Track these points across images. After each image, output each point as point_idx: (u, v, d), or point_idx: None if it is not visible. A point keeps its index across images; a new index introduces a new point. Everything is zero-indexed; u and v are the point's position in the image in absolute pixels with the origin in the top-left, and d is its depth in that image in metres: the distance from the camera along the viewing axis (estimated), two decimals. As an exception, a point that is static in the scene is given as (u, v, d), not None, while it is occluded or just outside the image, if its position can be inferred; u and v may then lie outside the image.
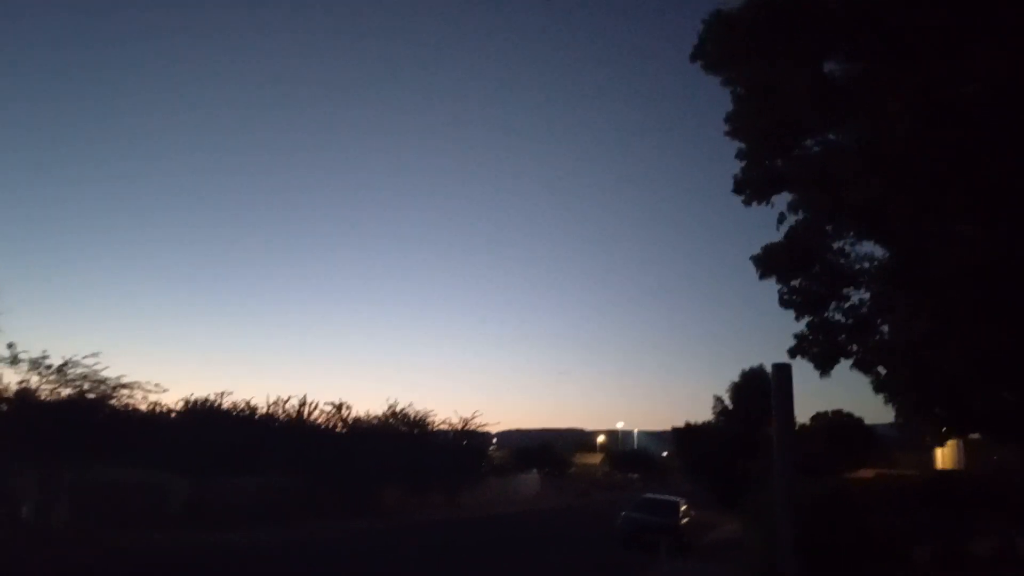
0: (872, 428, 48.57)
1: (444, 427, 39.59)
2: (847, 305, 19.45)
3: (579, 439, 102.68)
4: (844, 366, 19.97)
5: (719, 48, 14.88)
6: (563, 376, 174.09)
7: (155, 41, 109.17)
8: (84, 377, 22.50)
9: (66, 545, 19.22)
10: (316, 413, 33.73)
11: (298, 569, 17.68)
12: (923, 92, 11.88)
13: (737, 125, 16.49)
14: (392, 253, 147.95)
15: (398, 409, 37.28)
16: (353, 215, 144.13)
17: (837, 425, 48.39)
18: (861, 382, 20.29)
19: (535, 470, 61.00)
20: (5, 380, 21.71)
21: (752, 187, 17.09)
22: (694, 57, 15.29)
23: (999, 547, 15.53)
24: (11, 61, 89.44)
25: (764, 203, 17.36)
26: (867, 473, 38.44)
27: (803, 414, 47.47)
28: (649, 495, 32.23)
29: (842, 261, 18.62)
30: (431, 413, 38.10)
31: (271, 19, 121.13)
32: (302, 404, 33.18)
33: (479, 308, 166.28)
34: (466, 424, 40.00)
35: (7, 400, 21.87)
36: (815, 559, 10.70)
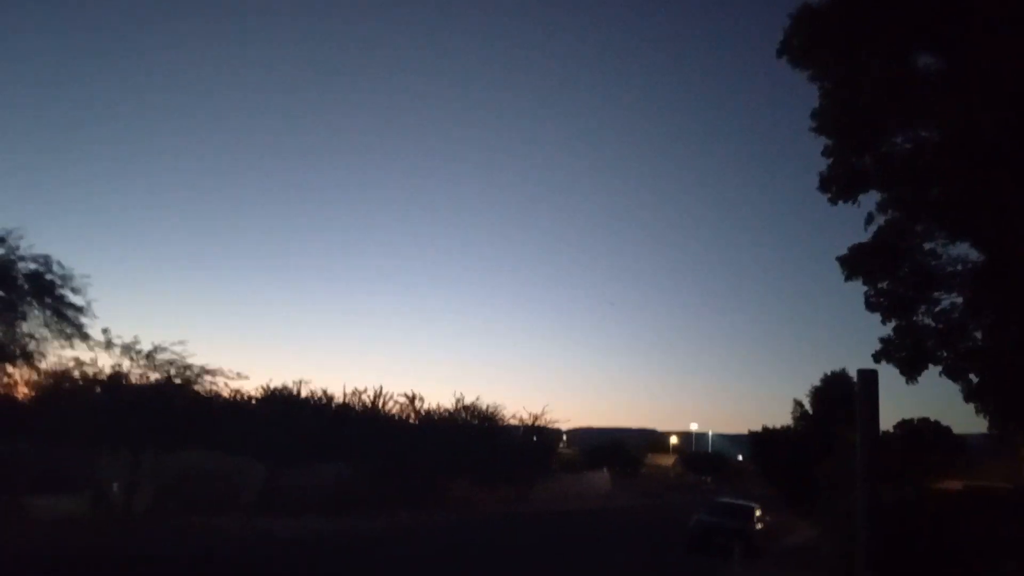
0: (962, 438, 46.51)
1: (514, 422, 39.72)
2: (937, 309, 18.64)
3: (652, 439, 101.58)
4: (932, 372, 19.18)
5: (806, 42, 14.47)
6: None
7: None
8: (171, 363, 23.40)
9: (146, 528, 20.06)
10: (390, 404, 34.40)
11: (363, 563, 17.98)
12: (1013, 82, 11.26)
13: (823, 121, 15.98)
14: (469, 250, 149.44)
15: (468, 403, 37.64)
16: (433, 209, 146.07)
17: (922, 432, 46.50)
18: (951, 390, 19.46)
19: (606, 468, 60.65)
20: (99, 364, 22.74)
21: (838, 185, 16.53)
22: (780, 52, 14.91)
23: None
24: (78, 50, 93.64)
25: (851, 202, 16.77)
26: (954, 484, 36.79)
27: (887, 421, 45.76)
28: (723, 498, 31.66)
29: (933, 263, 17.84)
30: (501, 407, 38.34)
31: None
32: (377, 395, 33.87)
33: (554, 305, 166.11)
34: (536, 420, 40.04)
35: (101, 383, 22.92)
36: (893, 570, 10.29)
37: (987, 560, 14.21)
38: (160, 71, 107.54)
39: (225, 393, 26.12)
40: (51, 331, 20.39)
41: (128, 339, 22.85)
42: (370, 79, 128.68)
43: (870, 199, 16.85)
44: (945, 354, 18.88)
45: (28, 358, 20.08)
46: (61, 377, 22.13)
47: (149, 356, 23.10)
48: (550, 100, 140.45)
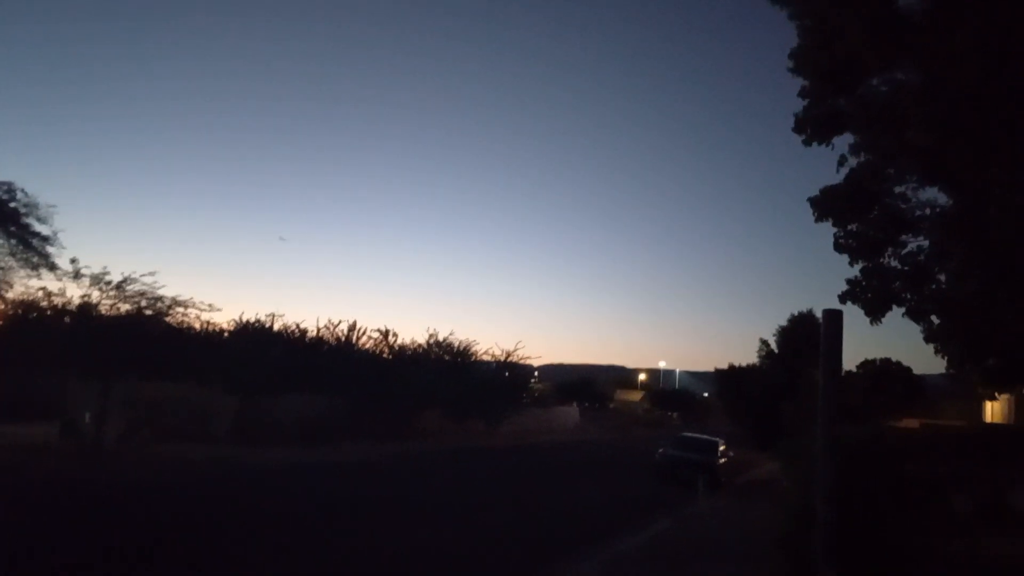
0: (921, 378, 47.89)
1: (487, 358, 40.12)
2: (904, 252, 18.98)
3: (621, 376, 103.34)
4: (896, 314, 19.63)
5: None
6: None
7: None
8: (142, 294, 23.12)
9: (118, 458, 20.19)
10: (364, 339, 34.54)
11: (332, 486, 18.33)
12: (994, 27, 11.25)
13: (801, 61, 15.91)
14: (442, 188, 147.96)
15: (441, 338, 37.90)
16: (405, 147, 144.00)
17: (883, 372, 47.80)
18: (913, 331, 19.98)
19: (575, 403, 61.70)
20: (68, 294, 22.45)
21: (813, 126, 16.57)
22: (760, -12, 14.72)
23: None
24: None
25: (825, 144, 16.85)
26: (912, 423, 38.05)
27: (850, 361, 46.94)
28: (688, 433, 32.46)
29: (903, 206, 18.10)
30: (474, 343, 38.71)
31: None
32: (351, 329, 33.95)
33: (525, 242, 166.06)
34: (508, 356, 40.46)
35: (69, 313, 22.65)
36: (851, 503, 10.69)
37: (940, 494, 14.81)
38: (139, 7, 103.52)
39: (197, 325, 26.03)
40: (16, 260, 20.06)
41: (97, 270, 22.57)
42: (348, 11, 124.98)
43: (843, 142, 16.94)
44: (909, 296, 19.31)
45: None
46: (28, 307, 21.85)
47: (119, 287, 22.80)
48: (527, 40, 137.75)
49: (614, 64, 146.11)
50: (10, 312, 21.65)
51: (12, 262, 19.92)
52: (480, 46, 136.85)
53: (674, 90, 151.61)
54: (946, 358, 21.55)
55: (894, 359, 49.91)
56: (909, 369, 48.35)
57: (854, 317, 19.62)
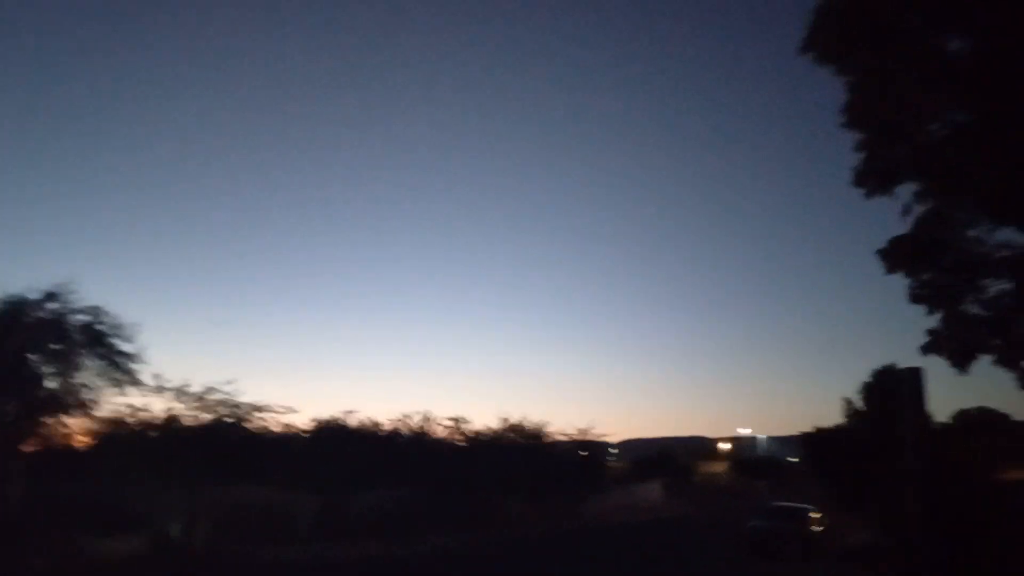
0: (1021, 425, 45.25)
1: (562, 438, 39.63)
2: (985, 297, 18.30)
3: (702, 446, 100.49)
4: (985, 361, 18.79)
5: (832, 36, 14.39)
6: None
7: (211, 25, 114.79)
8: (222, 402, 23.84)
9: (209, 562, 20.39)
10: (437, 428, 34.61)
11: None
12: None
13: (854, 115, 15.85)
14: (504, 265, 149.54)
15: (514, 421, 37.66)
16: (467, 226, 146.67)
17: (980, 423, 45.36)
18: (1006, 378, 19.03)
19: (657, 479, 60.12)
20: (153, 408, 23.25)
21: (874, 178, 16.37)
22: (804, 48, 14.83)
23: None
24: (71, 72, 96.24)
25: (887, 194, 16.60)
26: (1018, 474, 35.79)
27: (944, 412, 44.71)
28: (778, 502, 31.22)
29: (978, 250, 17.53)
30: (546, 424, 38.31)
31: None
32: (424, 419, 34.10)
33: (594, 316, 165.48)
34: (582, 434, 39.90)
35: (155, 427, 23.43)
36: (958, 566, 10.11)
37: None
38: (194, 108, 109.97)
39: (275, 428, 26.52)
40: (104, 379, 20.93)
41: (179, 382, 23.36)
42: (400, 104, 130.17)
43: (906, 191, 16.66)
44: (996, 342, 18.50)
45: (83, 407, 20.62)
46: (116, 424, 22.66)
47: (200, 398, 23.57)
48: (567, 98, 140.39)
49: (671, 128, 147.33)
50: (99, 430, 22.47)
51: (100, 381, 20.79)
52: (528, 128, 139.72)
53: (730, 157, 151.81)
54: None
55: (991, 407, 47.29)
56: (1006, 416, 45.72)
57: (942, 367, 18.87)
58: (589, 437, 40.08)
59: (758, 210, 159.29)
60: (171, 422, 23.27)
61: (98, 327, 20.51)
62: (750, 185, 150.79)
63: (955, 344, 18.20)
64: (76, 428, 21.55)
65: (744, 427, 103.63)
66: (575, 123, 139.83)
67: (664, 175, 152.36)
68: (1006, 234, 17.01)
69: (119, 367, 20.82)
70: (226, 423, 23.90)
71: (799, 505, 28.29)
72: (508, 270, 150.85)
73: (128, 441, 22.58)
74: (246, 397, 24.22)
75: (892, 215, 17.21)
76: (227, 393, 23.82)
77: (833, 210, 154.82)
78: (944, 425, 43.41)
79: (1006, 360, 18.46)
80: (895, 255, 17.60)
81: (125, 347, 20.99)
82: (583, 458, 40.40)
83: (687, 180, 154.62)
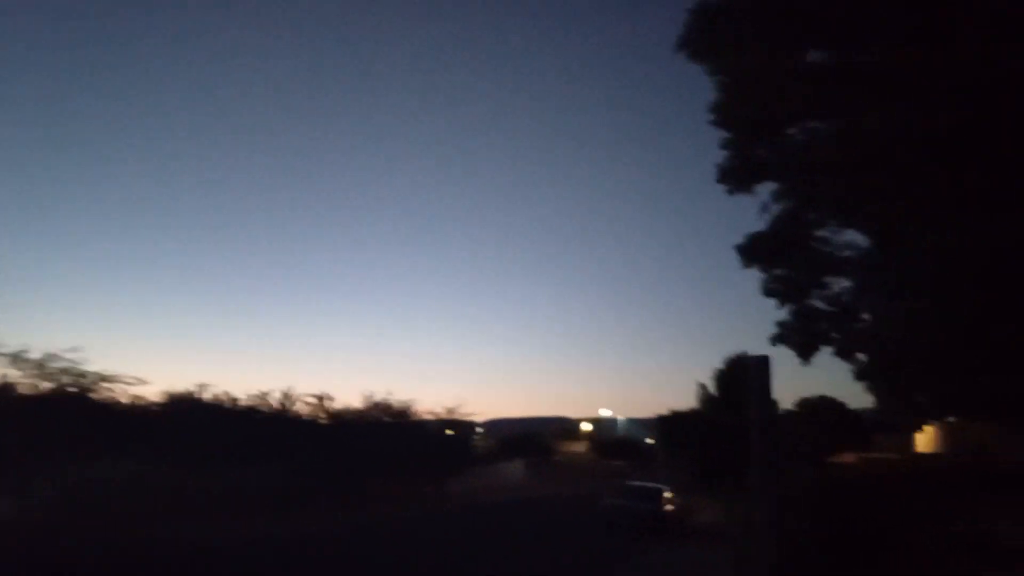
0: (855, 413, 49.15)
1: (428, 417, 39.58)
2: (829, 293, 19.64)
3: (565, 427, 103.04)
4: (827, 352, 20.19)
5: (705, 36, 14.88)
6: None
7: (159, 27, 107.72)
8: (65, 371, 22.27)
9: (42, 538, 19.06)
10: (299, 405, 33.70)
11: (260, 567, 17.56)
12: (896, 79, 11.95)
13: (722, 114, 16.52)
14: (371, 242, 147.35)
15: (379, 400, 37.26)
16: (334, 204, 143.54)
17: (821, 410, 48.89)
18: (845, 368, 20.57)
19: (520, 458, 61.22)
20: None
21: (736, 176, 17.17)
22: (680, 46, 15.27)
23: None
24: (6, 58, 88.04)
25: (748, 192, 17.46)
26: (849, 457, 38.90)
27: (789, 400, 47.90)
28: (633, 482, 32.41)
29: (824, 249, 18.76)
30: (413, 403, 38.13)
31: None
32: (284, 396, 33.11)
33: (460, 297, 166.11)
34: (449, 413, 40.01)
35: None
36: (799, 546, 10.78)
37: (893, 530, 14.92)
38: (82, 60, 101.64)
39: (124, 400, 25.07)
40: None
41: (15, 347, 21.66)
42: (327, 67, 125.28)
43: (766, 189, 17.58)
44: (837, 336, 19.94)
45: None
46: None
47: (40, 365, 21.92)
48: (479, 107, 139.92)
49: (548, 115, 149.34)
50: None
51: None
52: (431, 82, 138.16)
53: (601, 146, 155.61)
54: (875, 395, 22.22)
55: (831, 396, 51.08)
56: (843, 405, 49.56)
57: (790, 357, 20.17)
58: (456, 416, 40.22)
59: (627, 200, 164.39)
60: (5, 390, 21.54)
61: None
62: (619, 174, 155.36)
63: (801, 336, 19.50)
64: None
65: (605, 409, 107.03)
66: (455, 109, 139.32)
67: (531, 159, 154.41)
68: (850, 236, 18.32)
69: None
70: (69, 393, 22.35)
71: (653, 485, 29.48)
72: (379, 249, 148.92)
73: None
74: (94, 366, 22.75)
75: (751, 212, 18.16)
76: (71, 361, 22.28)
77: (697, 204, 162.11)
78: (788, 411, 46.56)
79: (845, 352, 19.95)
80: (751, 250, 18.59)
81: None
82: (449, 437, 40.51)
83: (555, 165, 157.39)
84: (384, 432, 35.65)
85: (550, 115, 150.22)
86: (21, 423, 20.36)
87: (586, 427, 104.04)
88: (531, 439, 71.29)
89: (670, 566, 18.41)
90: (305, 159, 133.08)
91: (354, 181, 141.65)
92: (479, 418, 48.17)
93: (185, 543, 19.68)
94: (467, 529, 26.35)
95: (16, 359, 21.60)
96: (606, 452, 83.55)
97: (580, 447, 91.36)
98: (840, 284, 19.53)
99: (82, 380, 22.67)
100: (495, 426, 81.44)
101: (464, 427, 41.77)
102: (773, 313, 19.98)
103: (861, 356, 20.17)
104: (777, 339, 19.72)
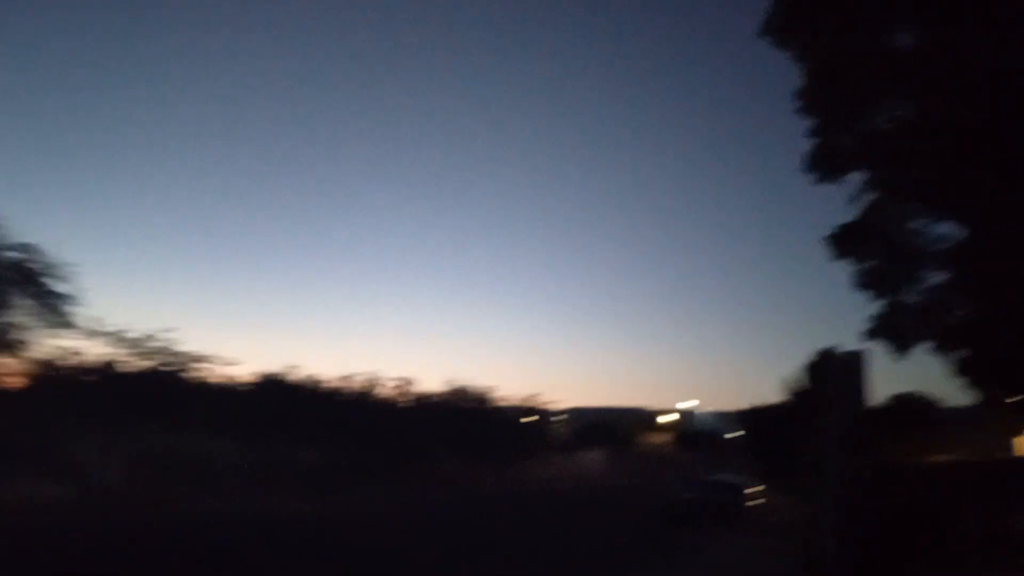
0: (948, 411, 46.99)
1: (507, 404, 39.92)
2: (923, 287, 18.78)
3: (644, 418, 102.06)
4: (922, 349, 19.32)
5: (789, 21, 14.40)
6: None
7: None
8: (161, 351, 23.37)
9: (130, 510, 20.03)
10: (381, 389, 34.53)
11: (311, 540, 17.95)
12: (985, 62, 11.27)
13: (808, 101, 15.92)
14: (463, 234, 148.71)
15: (459, 385, 37.78)
16: (428, 194, 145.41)
17: (906, 408, 46.98)
18: (938, 365, 19.65)
19: (599, 447, 61.03)
20: (89, 353, 22.67)
21: (823, 165, 16.54)
22: (764, 31, 14.81)
23: None
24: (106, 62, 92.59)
25: (836, 182, 16.80)
26: (940, 457, 37.23)
27: (883, 397, 46.07)
28: (710, 475, 31.93)
29: (917, 241, 17.93)
30: (493, 389, 38.54)
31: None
32: (368, 380, 33.98)
33: (547, 288, 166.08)
34: (528, 401, 40.24)
35: (91, 372, 22.89)
36: (859, 539, 10.47)
37: (957, 527, 14.24)
38: (152, 57, 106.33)
39: (215, 379, 26.18)
40: (36, 320, 20.33)
41: (117, 328, 22.82)
42: (371, 67, 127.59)
43: (854, 179, 16.88)
44: (933, 331, 19.04)
45: (12, 347, 20.00)
46: (48, 366, 22.08)
47: (138, 344, 23.06)
48: (548, 92, 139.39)
49: (629, 107, 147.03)
50: (31, 372, 21.88)
51: (32, 322, 20.18)
52: (493, 93, 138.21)
53: (688, 135, 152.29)
54: (975, 390, 21.15)
55: (927, 393, 48.91)
56: (931, 403, 47.44)
57: (882, 353, 19.36)
58: (534, 404, 40.42)
59: (711, 189, 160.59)
60: (107, 368, 22.76)
61: (30, 265, 19.83)
62: (705, 164, 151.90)
63: (896, 331, 18.69)
64: (5, 369, 20.92)
65: (686, 401, 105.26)
66: (528, 106, 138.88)
67: (617, 152, 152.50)
68: (944, 227, 17.42)
69: (52, 308, 20.23)
70: (164, 371, 23.45)
71: (731, 479, 28.98)
72: (462, 238, 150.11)
73: (61, 384, 22.03)
74: (188, 347, 23.81)
75: (839, 202, 17.47)
76: (167, 341, 23.37)
77: (785, 193, 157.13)
78: (880, 408, 44.82)
79: (943, 348, 19.04)
80: (842, 242, 17.88)
81: (59, 288, 20.38)
82: (525, 424, 40.75)
83: (641, 158, 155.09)
84: (460, 417, 36.14)
85: (640, 107, 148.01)
86: (120, 398, 21.47)
87: (666, 418, 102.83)
88: (611, 428, 70.92)
89: (742, 554, 18.05)
90: (406, 149, 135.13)
91: (456, 170, 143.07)
92: (559, 407, 48.25)
93: (233, 517, 20.31)
94: (510, 513, 26.34)
95: (117, 338, 22.80)
96: (686, 444, 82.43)
97: (660, 439, 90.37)
98: (936, 277, 18.66)
99: (176, 360, 23.74)
100: (576, 415, 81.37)
101: (541, 414, 41.91)
102: (865, 307, 19.24)
103: (958, 352, 19.26)
104: (872, 333, 18.99)
